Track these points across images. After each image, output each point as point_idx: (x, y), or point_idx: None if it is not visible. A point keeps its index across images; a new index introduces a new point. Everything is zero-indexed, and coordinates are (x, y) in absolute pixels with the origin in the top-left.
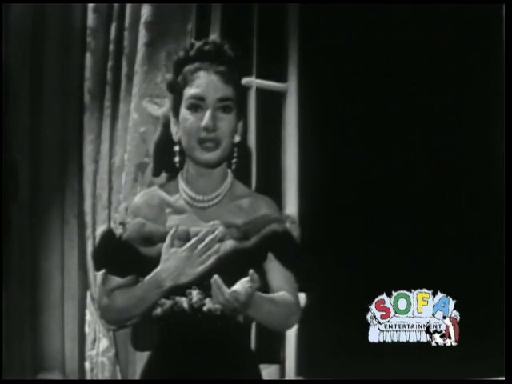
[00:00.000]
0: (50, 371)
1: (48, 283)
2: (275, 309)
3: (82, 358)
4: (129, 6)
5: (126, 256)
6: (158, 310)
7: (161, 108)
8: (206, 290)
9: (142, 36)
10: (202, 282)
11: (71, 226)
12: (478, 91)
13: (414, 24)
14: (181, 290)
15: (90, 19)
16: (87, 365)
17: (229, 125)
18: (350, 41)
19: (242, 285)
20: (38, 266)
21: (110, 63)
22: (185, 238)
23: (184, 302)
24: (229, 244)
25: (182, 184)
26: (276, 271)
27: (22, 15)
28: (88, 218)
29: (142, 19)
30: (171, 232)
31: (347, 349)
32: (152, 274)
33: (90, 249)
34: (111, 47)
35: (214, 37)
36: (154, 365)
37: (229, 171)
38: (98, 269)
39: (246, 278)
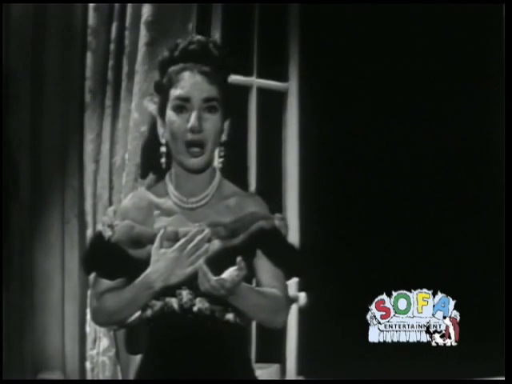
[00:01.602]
0: (50, 371)
1: (48, 283)
2: (263, 301)
3: (82, 357)
4: (129, 6)
5: (115, 258)
6: (148, 312)
7: None
8: (196, 290)
9: (143, 35)
10: (192, 282)
11: (72, 226)
12: (478, 91)
13: (415, 24)
14: (171, 290)
15: (91, 18)
16: (88, 364)
17: (215, 125)
18: (350, 40)
19: (228, 273)
20: (39, 266)
21: (110, 62)
22: (174, 238)
23: (174, 302)
24: (217, 243)
25: (169, 186)
26: (265, 268)
27: (22, 15)
28: (89, 218)
29: (143, 19)
30: (160, 233)
31: (347, 349)
32: (142, 275)
33: None
34: (112, 46)
35: (198, 36)
36: (146, 367)
37: (216, 171)
38: (87, 272)
39: (234, 267)
